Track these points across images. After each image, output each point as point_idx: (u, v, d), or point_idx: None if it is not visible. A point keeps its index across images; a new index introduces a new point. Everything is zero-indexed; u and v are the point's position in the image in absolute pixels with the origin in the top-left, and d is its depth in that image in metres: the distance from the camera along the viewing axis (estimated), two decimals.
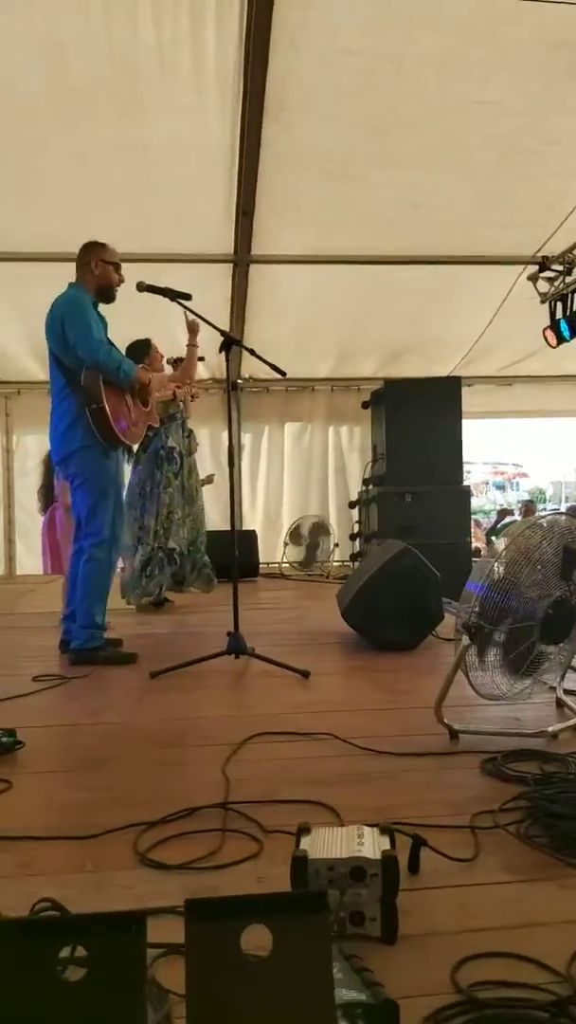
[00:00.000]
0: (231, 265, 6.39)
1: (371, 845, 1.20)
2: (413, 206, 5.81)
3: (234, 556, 3.20)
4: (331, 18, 4.37)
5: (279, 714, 2.37)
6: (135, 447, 4.73)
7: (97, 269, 3.38)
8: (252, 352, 3.12)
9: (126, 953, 0.77)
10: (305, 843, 1.22)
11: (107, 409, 3.19)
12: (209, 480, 5.96)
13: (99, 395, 3.18)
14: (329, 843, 1.21)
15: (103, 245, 3.45)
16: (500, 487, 24.02)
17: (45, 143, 5.07)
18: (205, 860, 1.41)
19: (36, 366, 7.50)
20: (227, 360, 3.20)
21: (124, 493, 3.65)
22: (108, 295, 3.42)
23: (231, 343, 3.15)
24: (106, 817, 1.60)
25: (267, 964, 0.79)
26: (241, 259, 6.26)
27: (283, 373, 3.17)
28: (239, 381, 8.31)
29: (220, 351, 3.20)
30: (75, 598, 3.32)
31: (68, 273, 3.52)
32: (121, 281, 3.45)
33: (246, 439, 8.45)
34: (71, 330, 3.20)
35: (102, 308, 3.46)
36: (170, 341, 5.40)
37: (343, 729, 2.16)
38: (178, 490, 4.90)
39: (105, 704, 2.61)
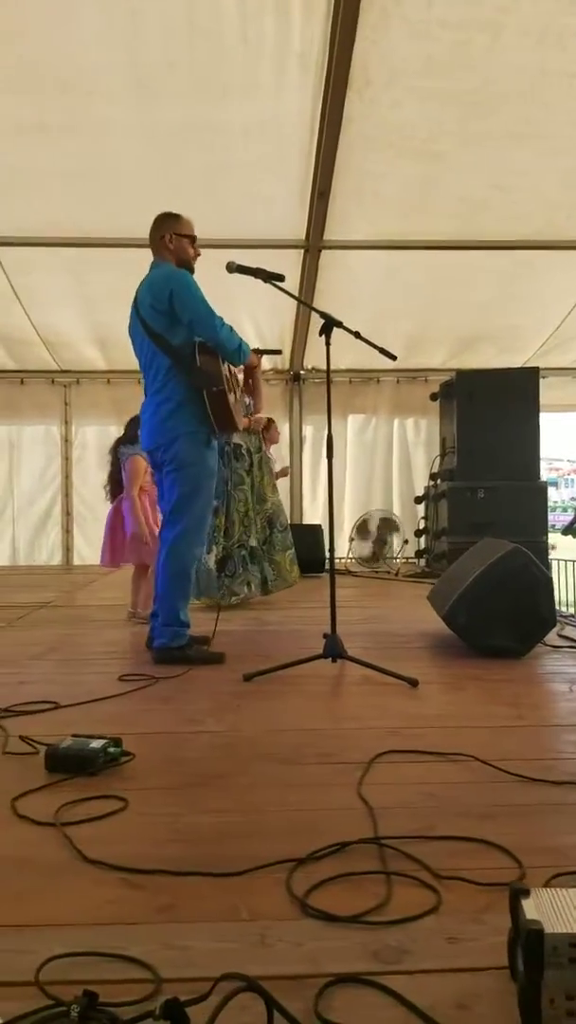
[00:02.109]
0: (302, 251, 6.17)
1: None
2: (498, 187, 5.54)
3: (331, 551, 3.00)
4: None
5: (399, 728, 2.16)
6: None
7: (172, 243, 3.17)
8: (357, 335, 2.90)
9: None
10: (528, 909, 1.00)
11: (227, 391, 3.00)
12: (284, 473, 5.76)
13: (219, 377, 2.99)
14: (562, 910, 0.99)
15: (176, 217, 3.22)
16: (554, 484, 23.46)
17: (116, 123, 4.92)
18: (378, 912, 1.20)
19: (96, 354, 7.40)
20: (327, 344, 2.98)
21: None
22: (188, 269, 3.19)
23: (332, 325, 2.93)
24: (243, 849, 1.41)
25: None
26: (313, 244, 6.05)
27: (393, 357, 2.94)
28: (302, 372, 8.11)
29: (320, 334, 2.97)
30: (157, 594, 3.13)
31: (132, 258, 3.31)
32: (197, 255, 3.23)
33: (307, 431, 8.25)
34: (185, 307, 2.99)
35: None
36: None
37: (477, 749, 1.93)
38: (251, 487, 4.76)
39: (202, 709, 2.42)
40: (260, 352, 4.67)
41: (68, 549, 7.86)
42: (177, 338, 3.04)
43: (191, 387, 3.02)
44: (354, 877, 1.31)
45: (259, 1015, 0.92)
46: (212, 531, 4.59)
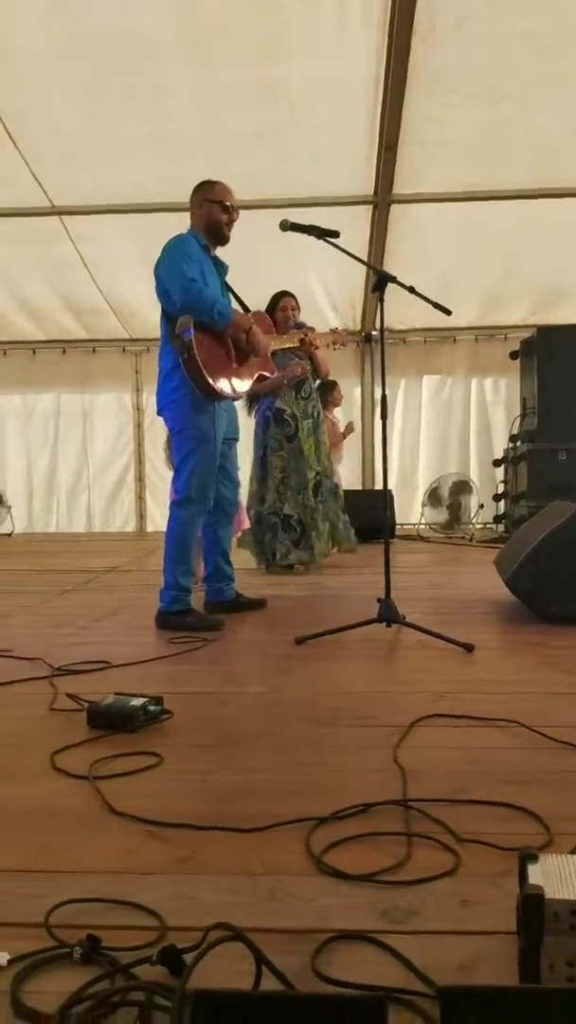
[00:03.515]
0: (371, 207, 6.01)
1: None
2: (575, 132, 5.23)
3: (384, 516, 2.94)
4: None
5: (447, 693, 2.11)
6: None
7: (201, 209, 3.16)
8: (412, 290, 2.80)
9: None
10: (534, 874, 0.96)
11: (199, 359, 2.94)
12: (350, 429, 5.64)
13: (189, 345, 2.95)
14: (568, 877, 0.95)
15: (210, 184, 3.20)
16: None
17: (175, 87, 4.90)
18: (392, 872, 1.18)
19: None
20: (380, 301, 2.89)
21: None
22: (218, 235, 3.17)
23: (386, 280, 2.83)
24: (268, 806, 1.41)
25: None
26: (382, 199, 5.89)
27: (448, 311, 2.82)
28: (373, 332, 7.95)
29: (373, 291, 2.89)
30: (165, 559, 3.14)
31: None
32: (231, 221, 3.18)
33: (379, 393, 8.09)
34: (163, 274, 3.02)
35: (220, 252, 3.24)
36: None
37: (526, 715, 1.87)
38: (293, 454, 4.61)
39: (248, 671, 2.44)
40: (299, 326, 4.58)
41: (141, 516, 8.03)
42: (169, 304, 3.05)
43: (177, 352, 3.02)
44: (374, 837, 1.30)
45: (249, 966, 0.92)
46: (250, 495, 4.57)
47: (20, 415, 7.97)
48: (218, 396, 3.06)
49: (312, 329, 4.36)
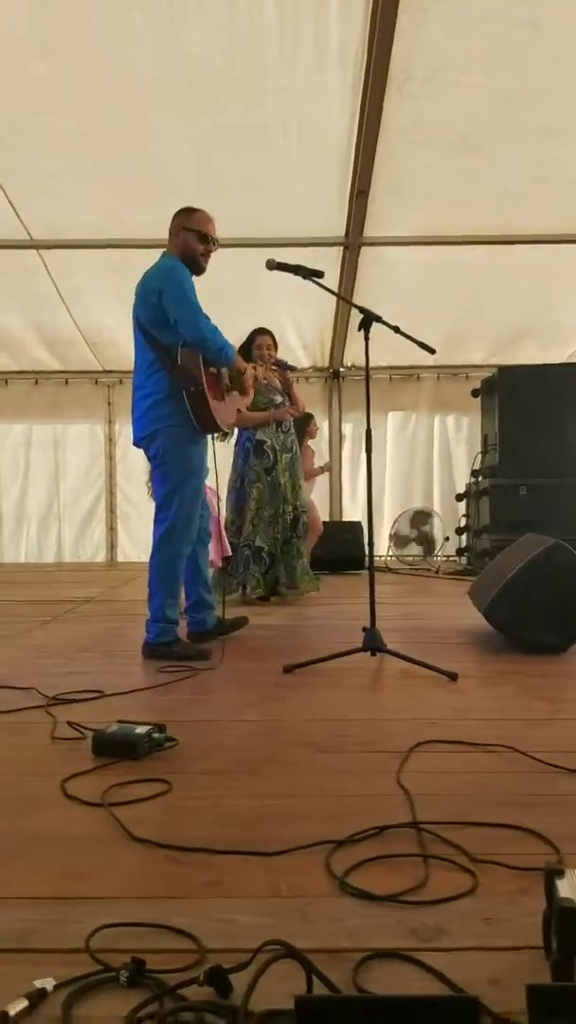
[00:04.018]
0: (342, 248, 6.19)
1: None
2: (539, 181, 5.48)
3: (370, 546, 3.02)
4: None
5: (438, 720, 2.17)
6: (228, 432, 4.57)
7: (179, 236, 3.14)
8: (397, 330, 2.91)
9: None
10: (563, 889, 1.02)
11: (207, 392, 2.99)
12: (326, 468, 5.73)
13: (199, 376, 2.97)
14: None
15: (190, 211, 3.18)
16: None
17: (157, 128, 5.00)
18: (415, 892, 1.23)
19: None
20: (366, 339, 3.00)
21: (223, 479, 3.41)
22: (194, 266, 3.12)
23: (371, 320, 2.94)
24: (284, 831, 1.44)
25: None
26: (353, 241, 6.06)
27: (432, 351, 2.95)
28: (341, 369, 8.12)
29: (359, 329, 2.99)
30: (149, 590, 3.13)
31: None
32: (208, 252, 3.16)
33: (347, 429, 8.26)
34: (172, 304, 2.96)
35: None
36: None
37: (514, 740, 1.94)
38: (269, 487, 4.66)
39: (242, 700, 2.46)
40: (283, 365, 4.71)
41: (112, 546, 7.99)
42: (164, 334, 3.02)
43: (174, 382, 3.00)
44: (392, 859, 1.34)
45: (299, 983, 0.95)
46: (228, 524, 4.61)
47: None
48: (216, 430, 3.09)
49: (293, 368, 4.49)
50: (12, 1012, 0.92)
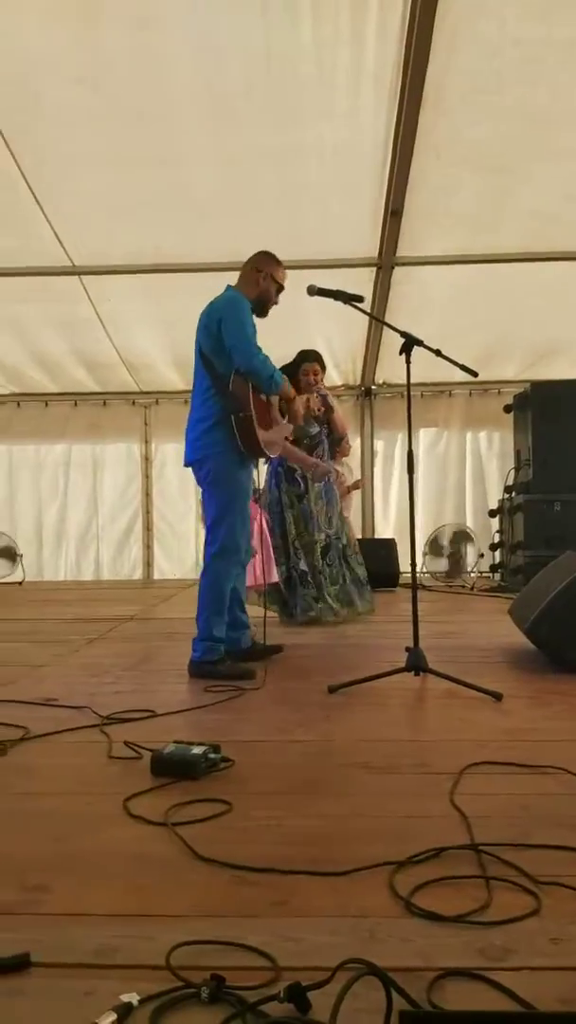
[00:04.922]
0: (375, 269, 6.25)
1: None
2: (571, 199, 5.51)
3: (412, 566, 3.03)
4: (499, 7, 4.18)
5: (487, 741, 2.19)
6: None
7: (264, 282, 3.31)
8: (439, 353, 2.95)
9: None
10: None
11: (254, 418, 3.10)
12: (357, 486, 5.73)
13: (247, 402, 3.09)
14: None
15: (277, 261, 3.37)
16: None
17: (193, 152, 5.11)
18: (480, 913, 1.25)
19: (175, 376, 7.63)
20: (407, 362, 3.04)
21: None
22: (263, 310, 3.34)
23: (413, 344, 2.99)
24: (345, 851, 1.47)
25: None
26: (386, 262, 6.12)
27: (475, 373, 2.98)
28: (373, 387, 8.17)
29: (400, 353, 3.04)
30: (198, 609, 3.22)
31: (214, 283, 3.46)
32: (276, 302, 3.39)
33: (379, 446, 8.30)
34: (228, 332, 3.11)
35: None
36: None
37: (566, 762, 1.95)
38: (303, 513, 4.68)
39: (291, 719, 2.49)
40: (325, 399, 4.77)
41: (148, 564, 8.10)
42: (221, 361, 3.16)
43: (225, 407, 3.13)
44: (455, 880, 1.37)
45: (374, 1003, 0.98)
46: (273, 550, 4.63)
47: (32, 466, 8.09)
48: (262, 455, 3.20)
49: (330, 406, 4.58)
50: None
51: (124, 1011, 1.00)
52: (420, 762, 2.02)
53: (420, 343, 2.97)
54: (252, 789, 1.83)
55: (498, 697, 2.66)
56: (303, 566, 4.64)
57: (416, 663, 2.87)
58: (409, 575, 7.69)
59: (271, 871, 1.40)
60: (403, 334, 3.00)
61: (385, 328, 7.07)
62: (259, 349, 3.12)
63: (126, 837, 1.57)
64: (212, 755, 1.92)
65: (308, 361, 4.68)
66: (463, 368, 2.95)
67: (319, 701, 2.71)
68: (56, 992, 1.06)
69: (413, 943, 1.18)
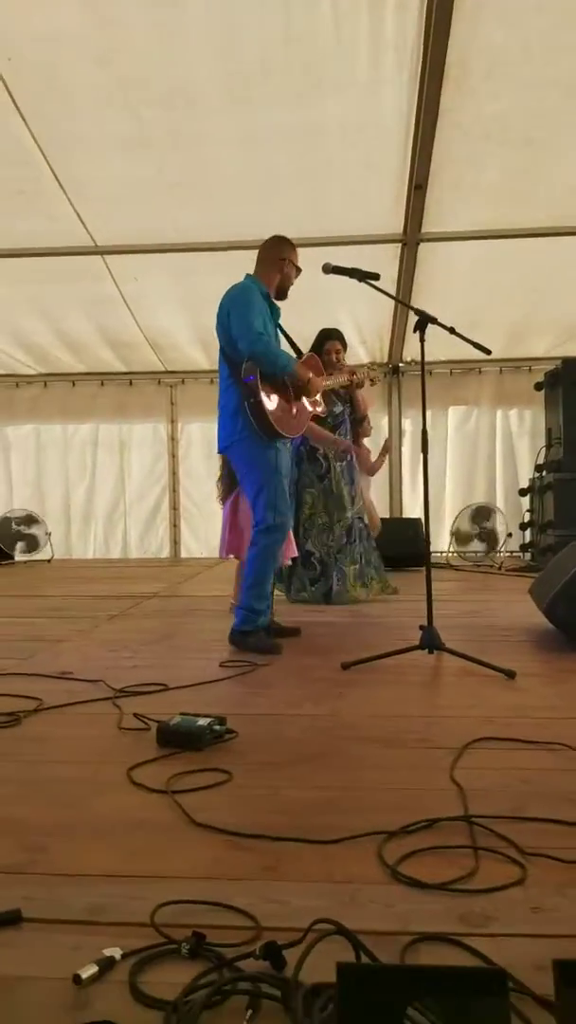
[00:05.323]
0: (400, 245, 6.18)
1: None
2: None
3: (426, 543, 3.03)
4: None
5: (494, 717, 2.19)
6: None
7: (279, 264, 3.37)
8: (452, 331, 2.92)
9: (487, 1018, 0.64)
10: None
11: (264, 404, 3.14)
12: (387, 449, 5.59)
13: (256, 390, 3.13)
14: None
15: (291, 244, 3.43)
16: None
17: (214, 132, 5.08)
18: (464, 881, 1.27)
19: (201, 355, 7.65)
20: (422, 340, 3.01)
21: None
22: (284, 292, 3.45)
23: (426, 321, 2.96)
24: (338, 821, 1.50)
25: None
26: (411, 238, 6.05)
27: (488, 351, 2.94)
28: (400, 364, 8.10)
29: (415, 331, 3.01)
30: (243, 582, 3.37)
31: (237, 261, 3.48)
32: (293, 283, 3.46)
33: (406, 424, 8.24)
34: (234, 322, 3.19)
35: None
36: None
37: (572, 739, 1.95)
38: (323, 492, 4.69)
39: (302, 695, 2.52)
40: (353, 370, 4.69)
41: (175, 542, 8.18)
42: (232, 350, 3.23)
43: (242, 395, 3.20)
44: (443, 850, 1.38)
45: (348, 960, 1.00)
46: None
47: (59, 445, 8.20)
48: (280, 437, 3.24)
49: (346, 368, 4.52)
50: (83, 976, 1.00)
51: (106, 964, 1.04)
52: (424, 737, 2.04)
53: (434, 320, 2.94)
54: (254, 760, 1.86)
55: (511, 675, 2.65)
56: (310, 547, 4.65)
57: (430, 641, 2.87)
58: (436, 555, 7.64)
59: (263, 837, 1.43)
60: (416, 311, 2.98)
61: (414, 305, 7.05)
62: (261, 335, 3.15)
63: (127, 804, 1.62)
64: (217, 727, 1.96)
65: (330, 339, 4.66)
66: (476, 346, 2.92)
67: (332, 677, 2.73)
68: (45, 946, 1.11)
69: (394, 908, 1.20)
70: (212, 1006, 0.96)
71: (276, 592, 4.17)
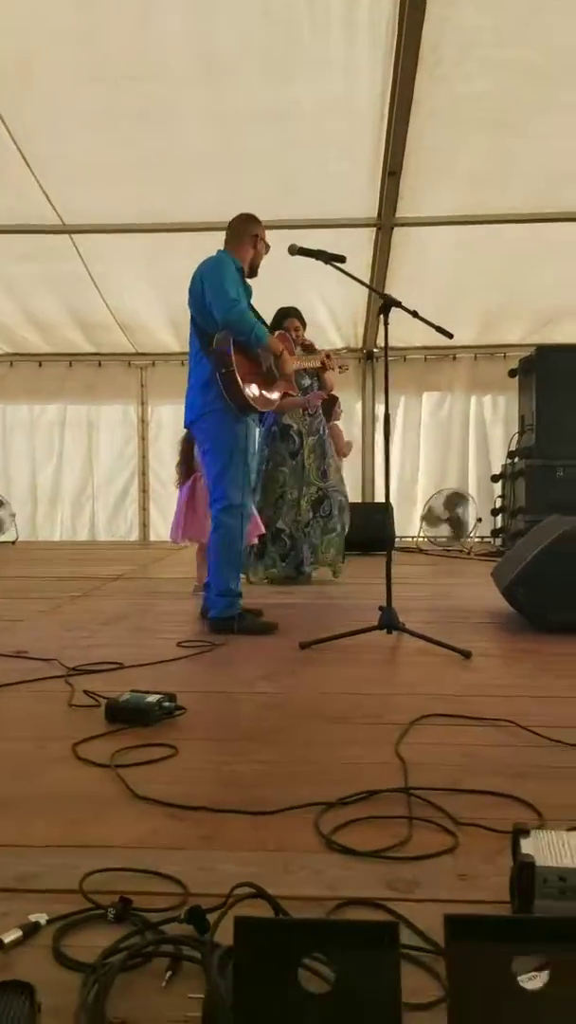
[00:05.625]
0: (374, 229, 6.16)
1: None
2: (574, 157, 5.38)
3: (385, 528, 3.04)
4: None
5: (446, 695, 2.21)
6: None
7: (250, 242, 3.36)
8: (415, 314, 2.92)
9: (379, 968, 0.65)
10: (526, 846, 1.07)
11: (237, 374, 3.10)
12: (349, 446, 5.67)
13: (229, 360, 3.10)
14: (556, 849, 1.05)
15: (259, 221, 3.42)
16: None
17: (186, 110, 5.03)
18: (396, 849, 1.29)
19: (171, 338, 7.59)
20: (385, 324, 3.01)
21: (254, 462, 3.54)
22: (255, 269, 3.44)
23: (390, 305, 2.96)
24: (280, 794, 1.51)
25: (545, 999, 0.65)
26: (385, 222, 6.03)
27: (449, 335, 2.94)
28: (375, 350, 8.10)
29: (378, 314, 3.01)
30: (210, 567, 3.29)
31: (208, 242, 3.45)
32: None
33: (379, 410, 8.22)
34: (209, 289, 3.16)
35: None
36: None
37: (520, 716, 1.97)
38: (295, 470, 4.71)
39: (256, 673, 2.53)
40: (311, 349, 4.70)
41: (145, 525, 8.14)
42: (206, 320, 3.19)
43: (211, 366, 3.16)
44: (379, 820, 1.40)
45: None
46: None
47: (26, 426, 8.11)
48: (252, 409, 3.20)
49: (321, 352, 4.51)
50: (6, 940, 1.00)
51: (31, 929, 1.05)
52: (375, 714, 2.05)
53: (398, 304, 2.93)
54: (201, 736, 1.87)
55: (467, 655, 2.68)
56: (280, 524, 4.67)
57: (388, 621, 2.89)
58: (406, 539, 7.67)
59: (203, 809, 1.44)
60: (381, 295, 2.98)
61: (389, 290, 7.04)
62: (236, 302, 3.11)
63: (71, 778, 1.62)
64: (167, 703, 1.96)
65: (289, 317, 4.66)
66: (438, 329, 2.92)
67: (290, 656, 2.74)
68: None
69: (324, 875, 1.21)
70: (132, 968, 0.97)
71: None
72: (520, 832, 1.10)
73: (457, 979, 0.64)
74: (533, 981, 0.68)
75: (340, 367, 4.62)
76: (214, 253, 3.35)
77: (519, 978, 0.67)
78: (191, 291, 3.27)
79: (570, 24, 4.41)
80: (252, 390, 3.19)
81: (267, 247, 3.42)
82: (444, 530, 7.33)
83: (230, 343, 3.12)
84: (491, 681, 2.43)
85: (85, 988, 0.92)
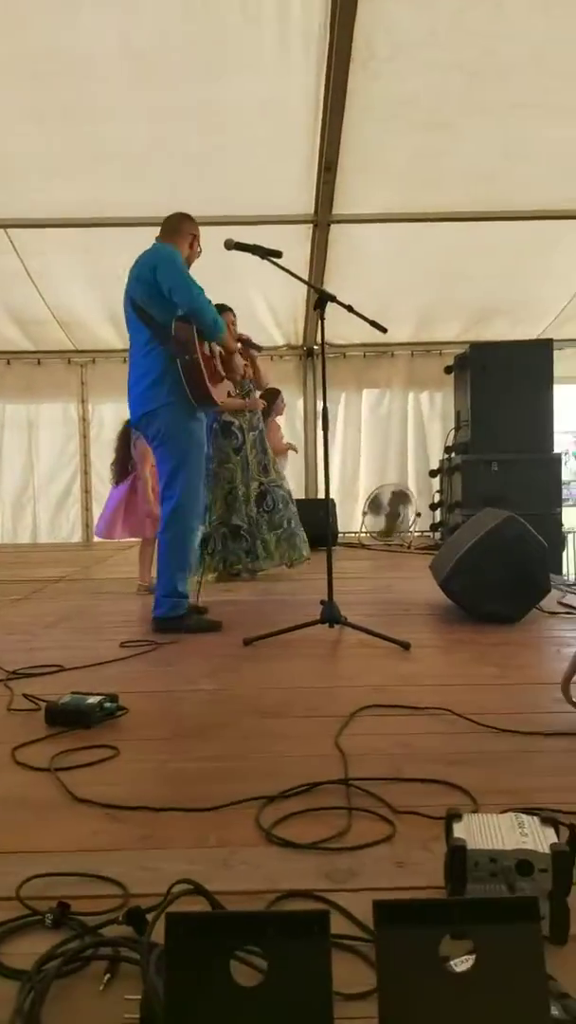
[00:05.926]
0: (311, 226, 6.19)
1: (535, 836, 1.07)
2: (508, 157, 5.50)
3: (327, 524, 3.07)
4: None
5: (385, 686, 2.25)
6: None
7: (187, 240, 3.30)
8: (350, 309, 2.95)
9: (310, 958, 0.66)
10: (459, 830, 1.10)
11: (200, 362, 3.05)
12: (292, 447, 5.76)
13: (193, 347, 3.03)
14: (487, 832, 1.08)
15: (194, 221, 3.37)
16: None
17: (115, 106, 4.95)
18: (335, 840, 1.31)
19: (111, 334, 7.49)
20: (321, 319, 3.03)
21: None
22: (188, 267, 3.36)
23: (326, 300, 2.98)
24: (221, 789, 1.52)
25: (471, 980, 0.67)
26: (322, 219, 6.06)
27: (384, 329, 2.99)
28: (314, 347, 8.14)
29: (314, 309, 3.03)
30: (159, 567, 3.23)
31: (142, 237, 3.40)
32: None
33: (320, 406, 8.28)
34: (168, 277, 3.06)
35: None
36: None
37: (456, 704, 2.02)
38: (240, 465, 4.73)
39: (199, 671, 2.53)
40: (247, 343, 4.72)
41: (87, 526, 8.02)
42: (159, 309, 3.10)
43: (171, 358, 3.08)
44: (319, 812, 1.42)
45: None
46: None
47: None
48: (209, 401, 3.15)
49: (259, 348, 4.53)
50: None
51: None
52: (314, 707, 2.08)
53: (333, 298, 2.96)
54: (142, 735, 1.86)
55: (406, 646, 2.73)
56: (236, 520, 4.67)
57: (330, 615, 2.92)
58: (349, 535, 7.72)
59: (143, 809, 1.43)
60: (316, 289, 3.00)
61: (327, 287, 7.08)
62: (200, 290, 3.06)
63: (7, 783, 1.59)
64: (108, 704, 1.95)
65: (225, 311, 4.65)
66: (373, 324, 2.96)
67: (233, 653, 2.75)
68: None
69: (263, 868, 1.22)
70: (70, 973, 0.97)
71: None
72: (453, 817, 1.14)
73: (386, 964, 0.66)
74: (461, 964, 0.71)
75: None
76: (153, 245, 3.29)
77: (447, 961, 0.70)
78: (138, 279, 3.15)
79: (498, 27, 4.50)
80: (211, 383, 3.15)
81: (200, 252, 3.37)
82: (383, 524, 7.42)
83: (193, 332, 3.07)
84: (428, 671, 2.48)
85: (21, 996, 0.91)
